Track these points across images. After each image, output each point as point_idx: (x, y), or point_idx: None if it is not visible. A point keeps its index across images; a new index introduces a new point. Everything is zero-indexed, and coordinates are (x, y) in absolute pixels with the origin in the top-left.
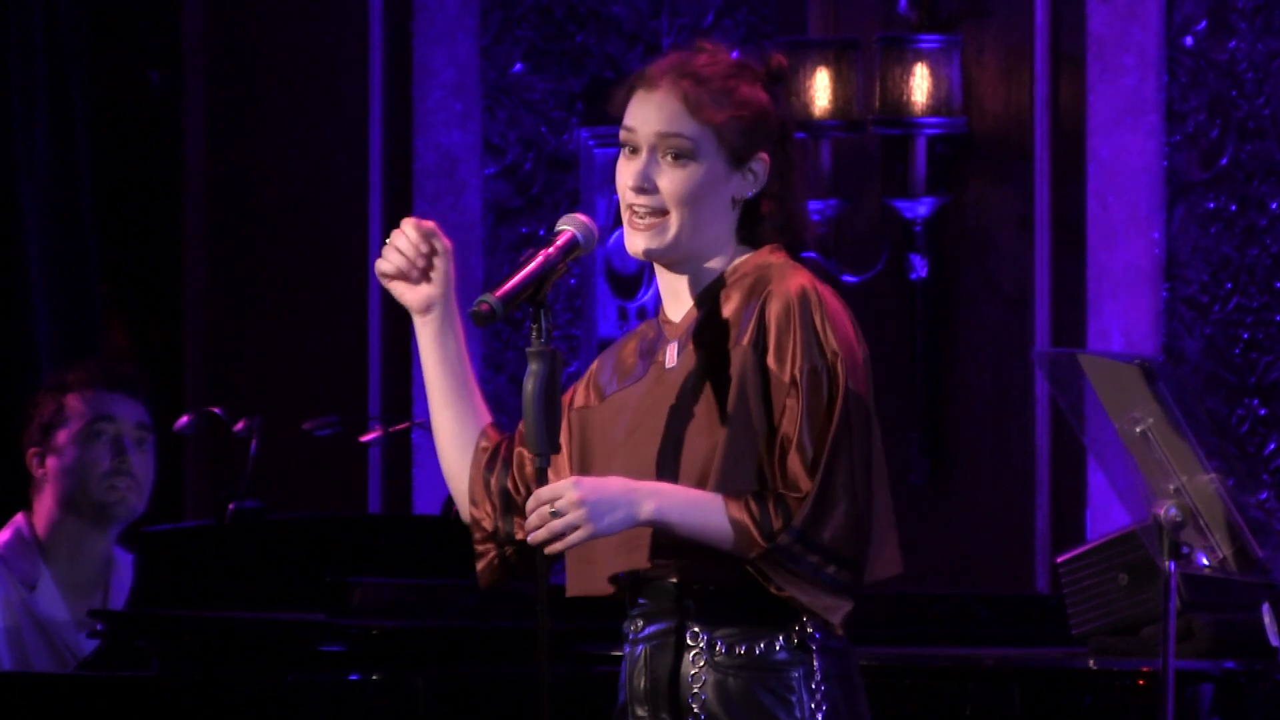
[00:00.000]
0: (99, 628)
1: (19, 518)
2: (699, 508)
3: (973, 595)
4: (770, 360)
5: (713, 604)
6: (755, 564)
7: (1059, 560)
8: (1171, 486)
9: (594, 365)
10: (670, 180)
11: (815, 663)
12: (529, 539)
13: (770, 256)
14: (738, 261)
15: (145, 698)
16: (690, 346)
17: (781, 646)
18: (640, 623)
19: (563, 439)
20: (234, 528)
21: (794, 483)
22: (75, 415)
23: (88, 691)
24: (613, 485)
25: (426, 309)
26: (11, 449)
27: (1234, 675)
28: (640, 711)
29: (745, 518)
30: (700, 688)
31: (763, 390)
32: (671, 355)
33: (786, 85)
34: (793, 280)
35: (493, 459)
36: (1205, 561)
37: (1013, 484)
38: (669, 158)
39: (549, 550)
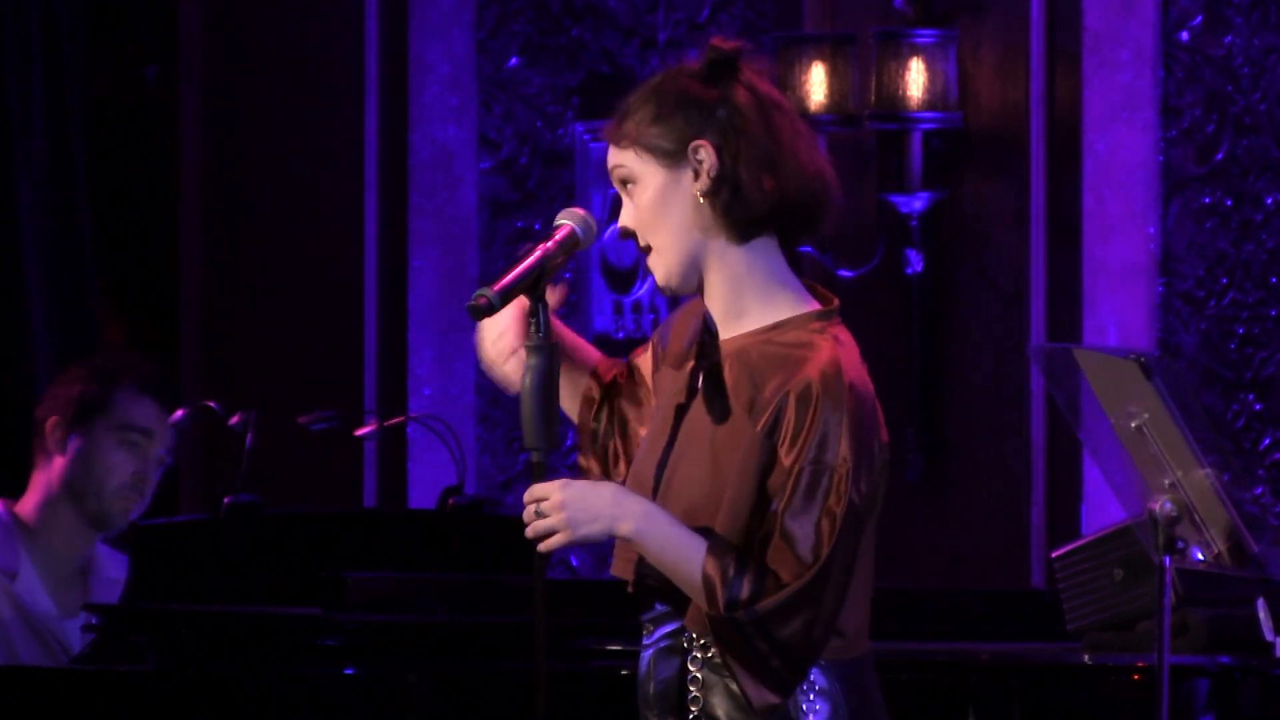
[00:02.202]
0: (94, 621)
1: (0, 505)
2: (678, 546)
3: (968, 590)
4: (781, 450)
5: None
6: (708, 620)
7: (1054, 555)
8: (1167, 481)
9: (685, 308)
10: (629, 216)
11: (811, 671)
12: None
13: (810, 326)
14: (785, 319)
15: (141, 692)
16: (715, 385)
17: None
18: (651, 627)
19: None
20: (229, 522)
21: (781, 574)
22: (120, 414)
23: (83, 686)
24: (602, 494)
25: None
26: (8, 442)
27: (1229, 670)
28: (650, 716)
29: (716, 577)
30: (698, 691)
31: (765, 475)
32: (701, 377)
33: (733, 66)
34: (820, 362)
35: (598, 411)
36: (1200, 556)
37: (1008, 479)
38: (627, 192)
39: (539, 548)
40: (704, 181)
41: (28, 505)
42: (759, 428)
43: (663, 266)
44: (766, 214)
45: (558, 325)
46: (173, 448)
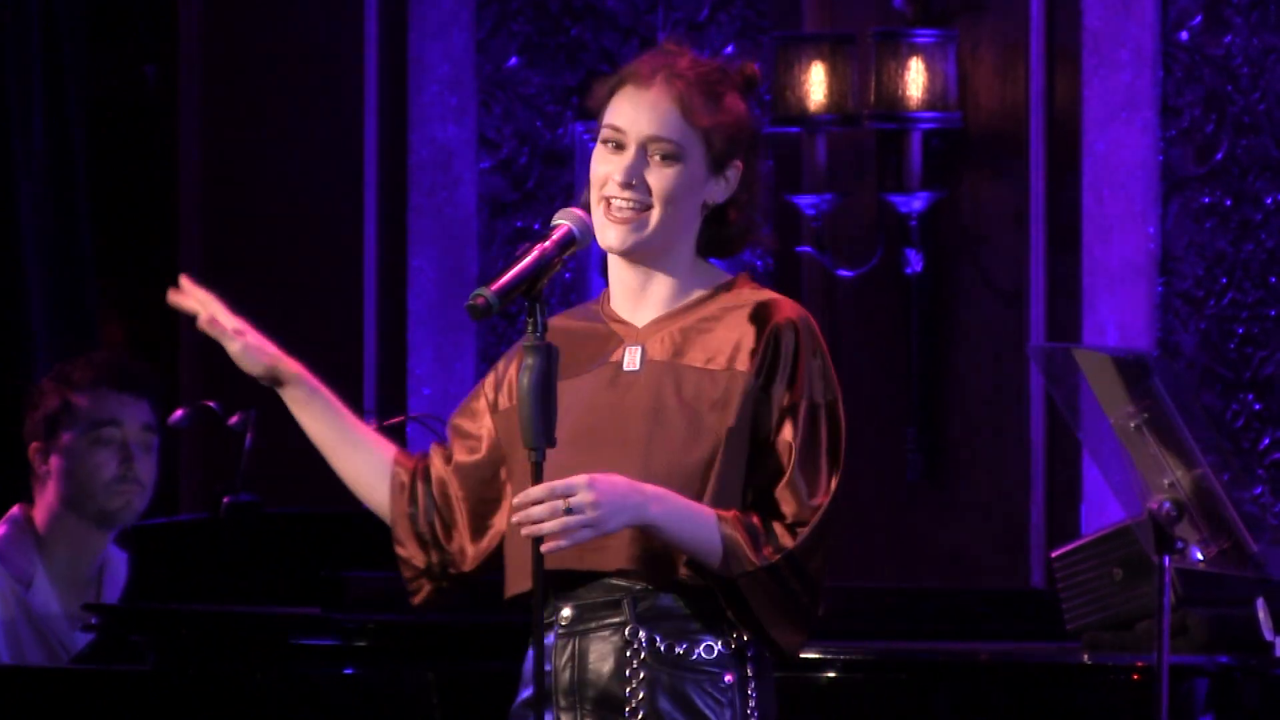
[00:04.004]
0: (94, 621)
1: (16, 510)
2: (694, 520)
3: (968, 590)
4: (774, 390)
5: (653, 603)
6: (737, 583)
7: (1054, 555)
8: (1166, 481)
9: (502, 366)
10: (659, 179)
11: (749, 669)
12: (527, 529)
13: (750, 285)
14: (721, 283)
15: (141, 692)
16: (663, 356)
17: (719, 651)
18: (567, 612)
19: (484, 441)
20: (229, 522)
21: (788, 513)
22: (81, 416)
23: (83, 686)
24: (620, 486)
25: (273, 383)
26: (8, 443)
27: (1228, 670)
28: (563, 702)
29: (739, 535)
30: (636, 685)
31: (757, 418)
32: (633, 359)
33: (757, 94)
34: (790, 309)
35: (413, 495)
36: (1200, 556)
37: (1008, 479)
38: (657, 158)
39: (550, 546)
40: (718, 196)
41: (38, 518)
42: (748, 369)
43: (643, 237)
44: (735, 250)
45: (348, 413)
46: (152, 422)
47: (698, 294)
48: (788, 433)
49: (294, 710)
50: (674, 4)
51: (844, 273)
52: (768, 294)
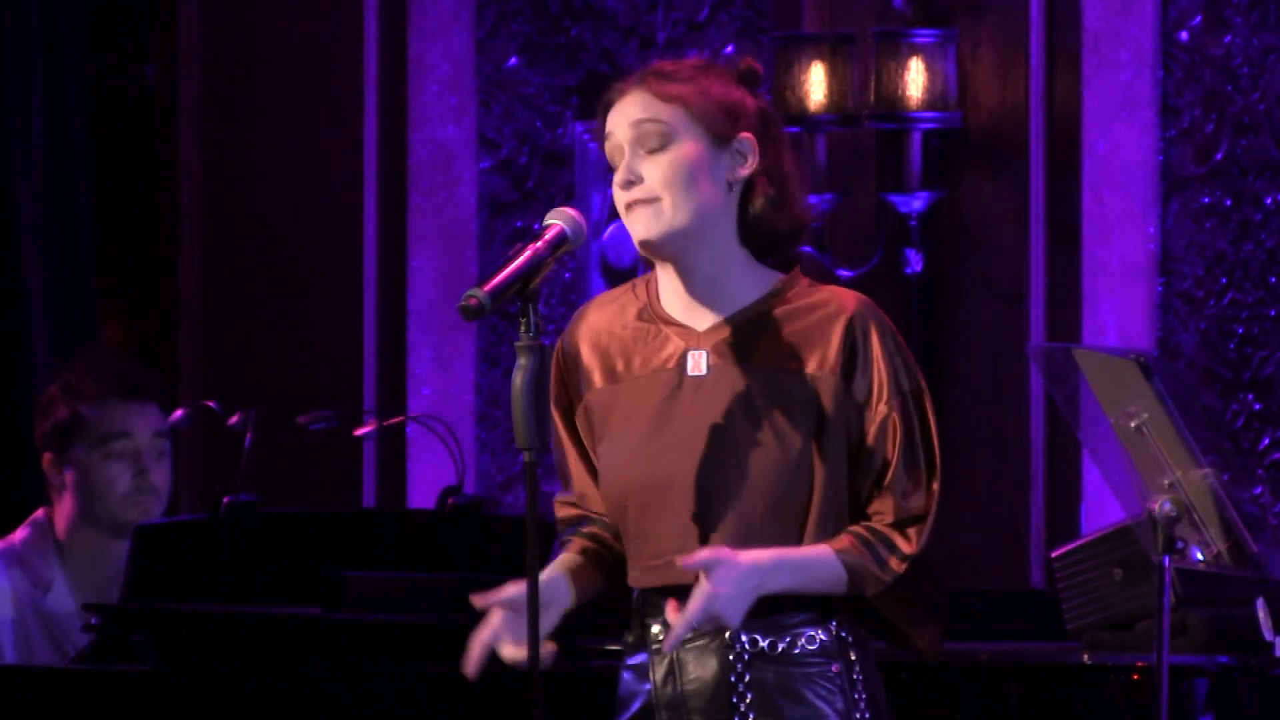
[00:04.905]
0: (94, 621)
1: (40, 514)
2: (814, 568)
3: (967, 590)
4: (858, 387)
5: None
6: (871, 601)
7: (1054, 555)
8: (1166, 481)
9: (580, 334)
10: (652, 169)
11: (853, 655)
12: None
13: (806, 281)
14: (778, 283)
15: (141, 692)
16: (732, 360)
17: (821, 641)
18: (657, 629)
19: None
20: (229, 522)
21: (898, 512)
22: (91, 430)
23: (83, 686)
24: (733, 583)
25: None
26: (9, 445)
27: (1228, 670)
28: (666, 716)
29: (862, 558)
30: (744, 687)
31: (848, 419)
32: (698, 364)
33: (760, 85)
34: (860, 303)
35: (607, 547)
36: (1200, 556)
37: (1008, 479)
38: (647, 148)
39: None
40: (741, 172)
41: (58, 525)
42: (827, 369)
43: (664, 224)
44: (786, 234)
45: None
46: (164, 428)
47: (757, 295)
48: (883, 430)
49: (294, 710)
50: (674, 4)
51: (844, 273)
52: (827, 288)
